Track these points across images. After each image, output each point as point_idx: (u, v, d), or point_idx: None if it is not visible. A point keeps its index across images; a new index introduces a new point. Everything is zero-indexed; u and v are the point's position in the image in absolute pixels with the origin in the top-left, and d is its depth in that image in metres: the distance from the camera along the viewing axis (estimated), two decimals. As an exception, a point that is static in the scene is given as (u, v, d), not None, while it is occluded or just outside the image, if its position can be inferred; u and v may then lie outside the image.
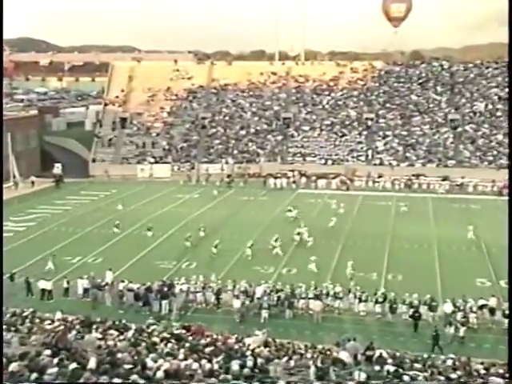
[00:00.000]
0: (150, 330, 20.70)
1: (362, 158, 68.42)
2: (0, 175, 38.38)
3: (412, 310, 27.02)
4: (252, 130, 73.33)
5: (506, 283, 31.52)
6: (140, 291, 28.80)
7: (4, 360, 12.41)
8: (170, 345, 17.47)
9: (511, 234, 33.67)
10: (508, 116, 64.44)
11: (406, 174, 62.76)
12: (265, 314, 27.42)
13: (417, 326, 26.38)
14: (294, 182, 61.98)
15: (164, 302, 28.26)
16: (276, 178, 62.37)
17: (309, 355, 18.88)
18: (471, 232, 41.23)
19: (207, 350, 17.30)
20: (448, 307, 26.98)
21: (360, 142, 70.40)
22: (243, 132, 73.23)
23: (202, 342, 19.60)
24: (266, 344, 20.41)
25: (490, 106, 71.97)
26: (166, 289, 28.77)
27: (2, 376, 11.82)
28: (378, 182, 61.52)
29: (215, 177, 63.68)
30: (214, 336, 21.13)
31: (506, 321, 26.16)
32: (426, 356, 19.92)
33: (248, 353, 17.05)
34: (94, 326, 19.61)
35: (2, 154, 52.14)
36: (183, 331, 21.26)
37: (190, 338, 20.24)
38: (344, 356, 17.50)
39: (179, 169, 67.67)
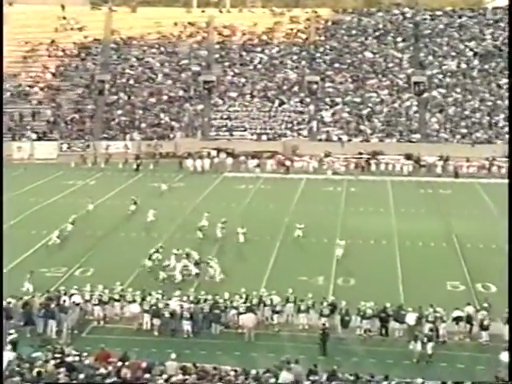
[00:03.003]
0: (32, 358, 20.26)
1: (305, 133, 69.16)
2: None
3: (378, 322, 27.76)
4: (164, 98, 72.83)
5: (483, 287, 32.64)
6: (14, 308, 28.05)
7: None
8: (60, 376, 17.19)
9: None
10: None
11: (359, 151, 63.85)
12: (187, 326, 27.64)
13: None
14: (220, 162, 62.00)
15: (51, 321, 27.68)
16: (196, 158, 62.19)
17: (239, 382, 18.91)
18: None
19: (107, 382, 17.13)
20: (411, 318, 27.62)
21: (302, 112, 71.10)
22: (153, 100, 72.65)
23: (102, 371, 19.35)
24: (184, 370, 20.34)
25: (464, 65, 74.04)
26: (53, 303, 28.18)
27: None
28: (324, 162, 62.30)
29: (117, 157, 62.89)
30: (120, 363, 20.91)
31: (484, 334, 27.06)
32: (385, 379, 20.32)
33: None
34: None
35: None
36: (76, 358, 20.92)
37: (88, 365, 19.99)
38: (285, 381, 17.65)
39: (69, 148, 66.69)
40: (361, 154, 63.30)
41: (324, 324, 27.18)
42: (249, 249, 38.23)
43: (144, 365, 20.51)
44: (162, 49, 77.98)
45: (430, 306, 27.90)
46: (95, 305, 29.14)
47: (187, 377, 19.77)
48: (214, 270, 33.46)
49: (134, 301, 29.05)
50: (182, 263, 33.85)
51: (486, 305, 28.17)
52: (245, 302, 28.70)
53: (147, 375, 19.57)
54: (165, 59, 77.06)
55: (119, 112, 71.28)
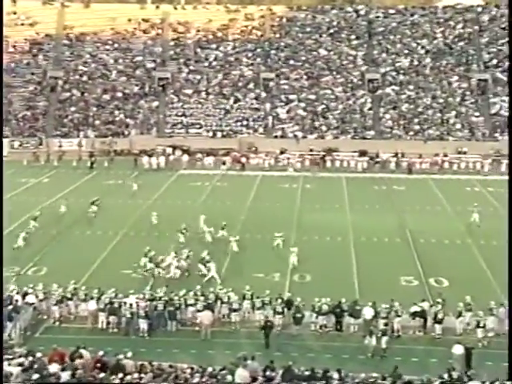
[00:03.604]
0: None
1: (261, 130, 69.31)
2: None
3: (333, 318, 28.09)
4: (119, 94, 72.28)
5: (436, 282, 33.17)
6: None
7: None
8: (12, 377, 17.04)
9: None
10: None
11: (314, 148, 64.24)
12: (143, 324, 27.60)
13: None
14: (175, 160, 61.83)
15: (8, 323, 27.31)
16: (151, 155, 61.96)
17: (196, 380, 18.92)
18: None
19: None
20: (368, 312, 27.98)
21: (257, 109, 71.25)
22: (107, 96, 72.04)
23: (54, 370, 19.22)
24: (140, 368, 20.29)
25: (416, 63, 74.96)
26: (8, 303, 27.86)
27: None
28: (280, 158, 62.59)
29: (71, 155, 62.25)
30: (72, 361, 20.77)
31: (438, 327, 27.55)
32: (338, 374, 20.54)
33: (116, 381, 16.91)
34: None
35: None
36: (30, 358, 20.71)
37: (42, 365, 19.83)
38: (241, 378, 17.72)
39: (21, 145, 65.84)
40: (311, 150, 63.70)
41: (267, 317, 27.58)
42: (206, 246, 38.19)
43: (99, 363, 20.40)
44: (116, 45, 77.35)
45: (391, 300, 28.26)
46: (50, 304, 28.88)
47: (143, 375, 19.72)
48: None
49: (92, 298, 28.86)
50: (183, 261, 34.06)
51: (440, 300, 28.63)
52: (196, 300, 28.73)
53: (102, 374, 19.48)
54: (119, 56, 76.46)
55: (72, 109, 70.52)
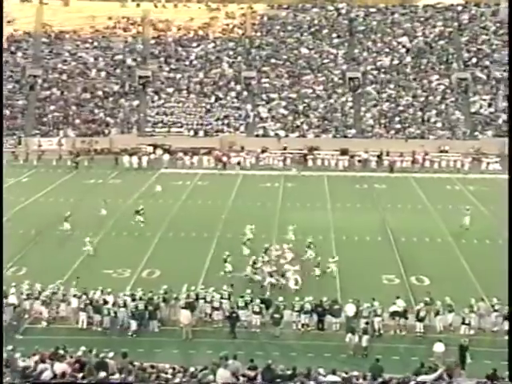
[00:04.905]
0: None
1: (242, 128, 69.34)
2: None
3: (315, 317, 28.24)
4: (99, 93, 72.04)
5: (417, 280, 33.38)
6: None
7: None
8: None
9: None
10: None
11: (296, 147, 64.39)
12: (132, 325, 27.67)
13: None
14: (156, 159, 61.74)
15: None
16: (132, 154, 61.84)
17: (177, 381, 18.94)
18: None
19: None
20: (350, 309, 28.11)
21: (238, 108, 71.27)
22: (87, 95, 71.79)
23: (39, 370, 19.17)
24: (121, 368, 20.25)
25: (397, 61, 75.29)
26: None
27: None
28: (261, 157, 62.68)
29: (51, 154, 61.98)
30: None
31: (419, 325, 27.75)
32: (320, 371, 20.63)
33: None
34: None
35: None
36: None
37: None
38: (222, 378, 17.74)
39: None
40: (285, 148, 63.83)
41: (232, 307, 27.90)
42: (186, 245, 38.23)
43: (79, 363, 20.33)
44: (96, 43, 77.09)
45: (372, 299, 28.42)
46: (35, 304, 28.82)
47: (124, 375, 19.69)
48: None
49: (75, 296, 28.81)
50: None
51: (427, 299, 28.77)
52: (177, 298, 28.76)
53: (84, 373, 19.43)
54: (99, 54, 76.20)
55: (52, 108, 70.21)
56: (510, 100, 66.28)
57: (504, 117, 68.55)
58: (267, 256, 34.64)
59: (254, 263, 33.52)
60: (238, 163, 60.88)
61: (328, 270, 33.89)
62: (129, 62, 75.54)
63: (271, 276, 32.17)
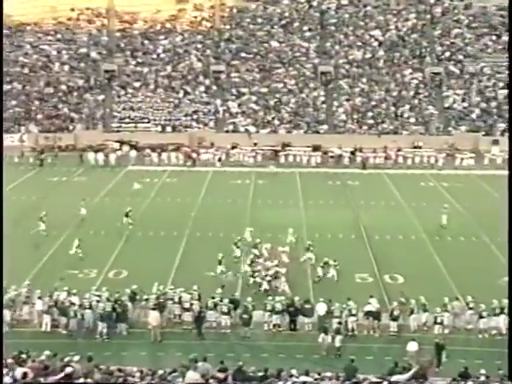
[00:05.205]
0: None
1: (211, 124, 69.24)
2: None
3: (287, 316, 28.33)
4: (63, 87, 71.50)
5: (391, 278, 33.62)
6: None
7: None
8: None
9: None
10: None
11: (267, 143, 64.45)
12: (101, 328, 27.50)
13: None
14: (123, 156, 61.46)
15: None
16: (97, 151, 61.41)
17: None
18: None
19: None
20: (321, 308, 28.22)
21: (207, 103, 71.15)
22: (50, 89, 71.21)
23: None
24: (87, 372, 20.12)
25: (369, 55, 75.63)
26: None
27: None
28: (232, 154, 62.66)
29: (11, 151, 61.28)
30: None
31: (393, 324, 27.95)
32: (294, 372, 20.70)
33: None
34: None
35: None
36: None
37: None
38: (191, 380, 17.71)
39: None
40: (256, 144, 63.98)
41: (201, 307, 27.96)
42: (155, 244, 38.12)
43: (43, 367, 20.18)
44: (59, 35, 76.40)
45: (348, 299, 28.61)
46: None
47: (89, 380, 19.56)
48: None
49: (40, 298, 28.70)
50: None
51: (402, 299, 28.96)
52: (147, 300, 28.68)
53: (50, 378, 19.27)
54: (62, 47, 75.54)
55: (13, 102, 69.46)
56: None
57: (478, 111, 69.32)
58: (258, 251, 34.78)
59: (252, 262, 33.63)
60: (219, 159, 60.85)
61: (329, 275, 33.48)
62: (93, 55, 75.02)
63: (267, 280, 31.92)
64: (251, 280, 32.35)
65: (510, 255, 27.48)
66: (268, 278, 31.89)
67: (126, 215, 41.28)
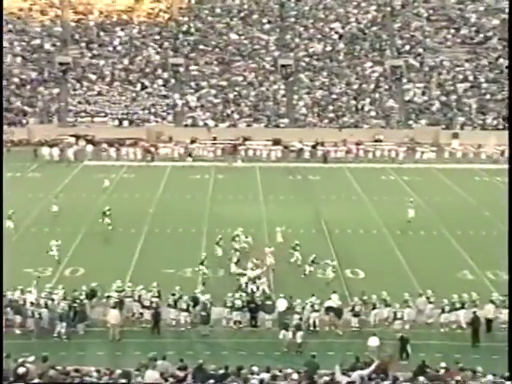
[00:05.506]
0: None
1: (170, 118, 69.04)
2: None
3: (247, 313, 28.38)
4: (15, 80, 70.65)
5: (352, 273, 33.89)
6: None
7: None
8: None
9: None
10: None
11: (227, 137, 64.46)
12: (59, 328, 27.13)
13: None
14: (79, 151, 60.98)
15: None
16: (52, 145, 60.89)
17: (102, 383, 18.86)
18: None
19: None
20: (282, 304, 28.32)
21: (166, 96, 70.91)
22: (2, 82, 70.20)
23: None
24: (41, 373, 20.00)
25: (330, 48, 75.94)
26: None
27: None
28: (191, 148, 62.54)
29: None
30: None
31: (355, 320, 28.19)
32: (253, 368, 20.81)
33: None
34: None
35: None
36: None
37: None
38: (150, 379, 17.72)
39: None
40: (215, 138, 64.08)
41: (157, 303, 27.86)
42: (112, 241, 37.93)
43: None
44: (11, 26, 75.30)
45: (312, 295, 28.63)
46: None
47: (44, 380, 19.44)
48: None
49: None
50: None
51: (365, 297, 29.13)
52: (108, 297, 28.53)
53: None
54: (14, 38, 74.53)
55: (-35, 96, 68.58)
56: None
57: (437, 105, 70.10)
58: (237, 244, 35.14)
59: (238, 261, 33.69)
60: (190, 155, 60.47)
61: (330, 277, 33.13)
62: (47, 46, 74.22)
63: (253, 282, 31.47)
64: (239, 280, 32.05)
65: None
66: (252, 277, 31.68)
67: (104, 214, 40.38)
